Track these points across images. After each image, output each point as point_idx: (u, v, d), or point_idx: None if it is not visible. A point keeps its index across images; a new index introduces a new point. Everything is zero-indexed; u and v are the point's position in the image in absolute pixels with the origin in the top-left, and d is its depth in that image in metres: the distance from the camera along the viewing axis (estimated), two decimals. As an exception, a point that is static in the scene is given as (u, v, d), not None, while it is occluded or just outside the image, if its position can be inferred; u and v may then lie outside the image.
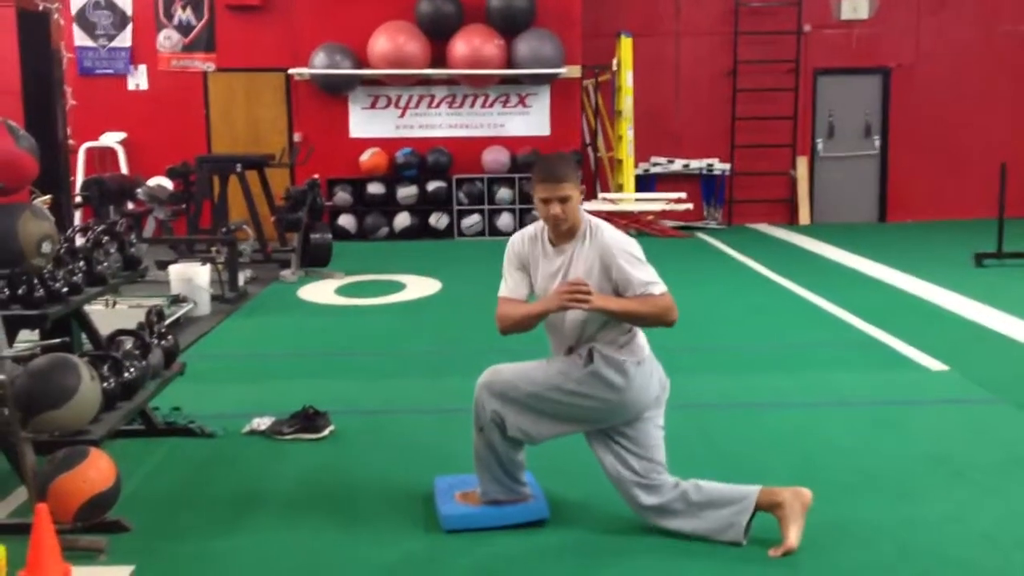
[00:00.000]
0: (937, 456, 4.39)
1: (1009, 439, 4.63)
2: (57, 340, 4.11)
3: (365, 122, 12.94)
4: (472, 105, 12.98)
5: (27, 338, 4.73)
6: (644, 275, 3.47)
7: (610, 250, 3.48)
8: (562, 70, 12.55)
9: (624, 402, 3.53)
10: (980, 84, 13.85)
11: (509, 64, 12.47)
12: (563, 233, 3.56)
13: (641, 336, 3.60)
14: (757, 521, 3.50)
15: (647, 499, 3.56)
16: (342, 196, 12.63)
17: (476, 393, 3.65)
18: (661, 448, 3.62)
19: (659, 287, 3.47)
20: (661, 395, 3.65)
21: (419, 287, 8.99)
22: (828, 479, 4.11)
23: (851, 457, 4.40)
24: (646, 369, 3.56)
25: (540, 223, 3.66)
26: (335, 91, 12.70)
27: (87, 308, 4.58)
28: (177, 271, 7.91)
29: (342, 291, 8.96)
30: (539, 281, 3.64)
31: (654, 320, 3.47)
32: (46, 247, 3.84)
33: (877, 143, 14.13)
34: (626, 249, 3.50)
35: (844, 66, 13.90)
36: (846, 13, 13.78)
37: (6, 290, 3.99)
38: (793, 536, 3.42)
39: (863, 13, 13.77)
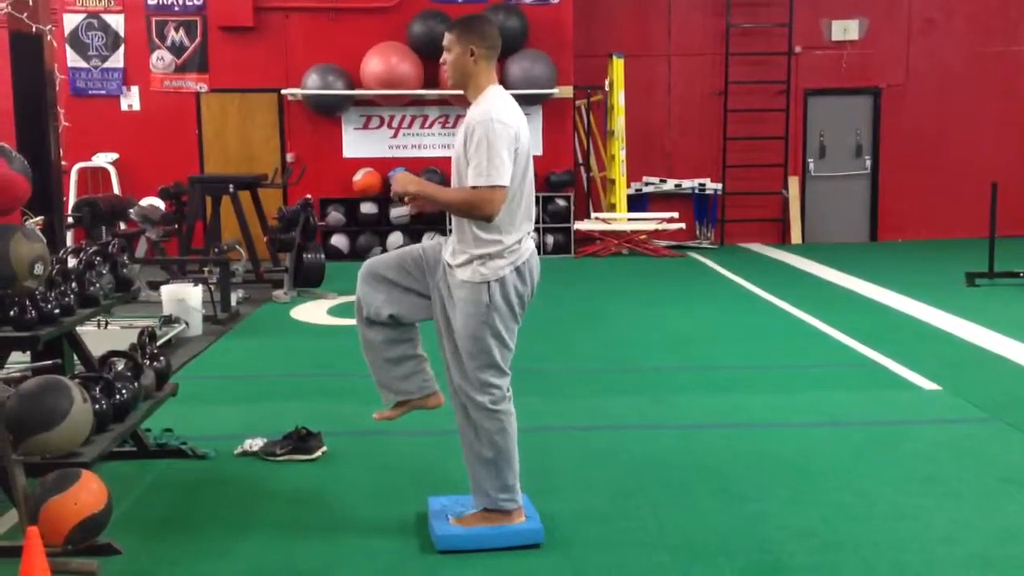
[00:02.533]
0: (931, 476, 4.39)
1: (1002, 459, 4.64)
2: (49, 362, 4.09)
3: (358, 142, 12.98)
4: (465, 125, 13.00)
5: (18, 360, 4.71)
6: (475, 162, 3.44)
7: (467, 125, 3.52)
8: (554, 90, 12.59)
9: (527, 291, 3.68)
10: (970, 104, 13.94)
11: (502, 84, 12.48)
12: (465, 93, 3.67)
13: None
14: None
15: None
16: (335, 216, 12.65)
17: (474, 416, 3.64)
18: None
19: (478, 179, 3.43)
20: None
21: (412, 307, 8.96)
22: (823, 499, 4.11)
23: (845, 477, 4.39)
24: (532, 265, 3.64)
25: None
26: (328, 111, 12.73)
27: (79, 329, 4.57)
28: (169, 292, 7.88)
29: (335, 311, 8.95)
30: None
31: (457, 209, 3.54)
32: (38, 269, 3.82)
33: (868, 163, 14.19)
34: (477, 130, 3.46)
35: (835, 87, 13.98)
36: (836, 34, 13.87)
37: (-3, 311, 3.98)
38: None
39: (853, 34, 13.86)
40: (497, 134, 3.43)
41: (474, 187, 3.43)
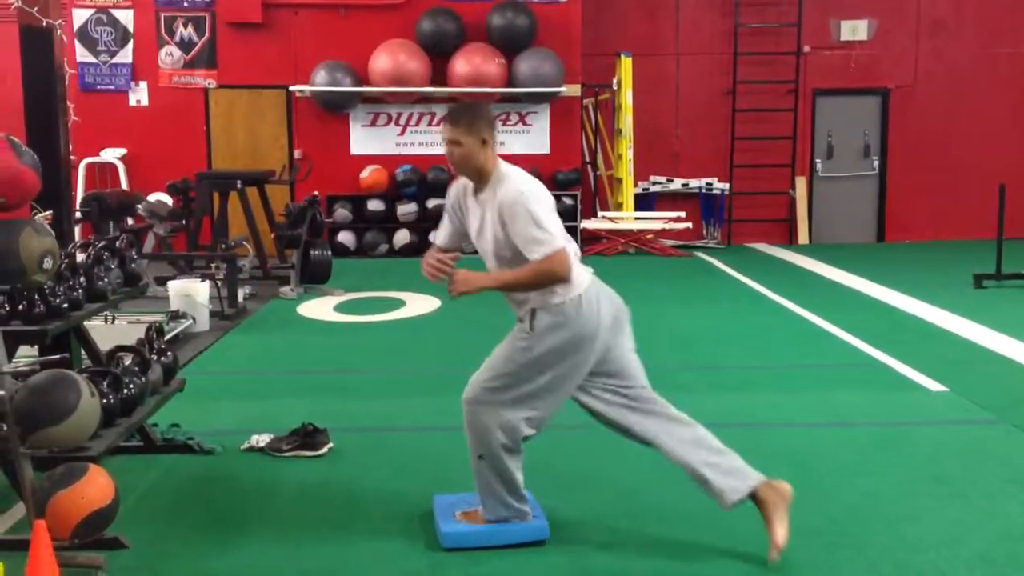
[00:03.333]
0: (936, 476, 4.39)
1: (1008, 460, 4.63)
2: (57, 356, 4.10)
3: (365, 139, 12.98)
4: (472, 123, 12.99)
5: (27, 354, 4.73)
6: (528, 237, 3.42)
7: (501, 208, 3.47)
8: (562, 89, 12.58)
9: (579, 336, 3.51)
10: (979, 105, 13.90)
11: (509, 83, 12.51)
12: (474, 180, 3.62)
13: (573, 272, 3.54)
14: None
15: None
16: (342, 213, 12.65)
17: (467, 415, 3.63)
18: (642, 370, 3.77)
19: (539, 250, 3.41)
20: (619, 316, 3.66)
21: (419, 304, 8.99)
22: (828, 499, 4.11)
23: (851, 477, 4.39)
24: (589, 298, 3.54)
25: None
26: (336, 108, 12.74)
27: (87, 324, 4.58)
28: (176, 287, 7.90)
29: (341, 308, 8.96)
30: (471, 233, 3.69)
31: (534, 284, 3.47)
32: (47, 263, 3.84)
33: (876, 164, 14.16)
34: (515, 208, 3.43)
35: (843, 87, 13.95)
36: (845, 34, 13.84)
37: (6, 306, 3.99)
38: (781, 533, 3.49)
39: (862, 35, 13.83)
40: (533, 203, 3.43)
41: (542, 258, 3.41)
